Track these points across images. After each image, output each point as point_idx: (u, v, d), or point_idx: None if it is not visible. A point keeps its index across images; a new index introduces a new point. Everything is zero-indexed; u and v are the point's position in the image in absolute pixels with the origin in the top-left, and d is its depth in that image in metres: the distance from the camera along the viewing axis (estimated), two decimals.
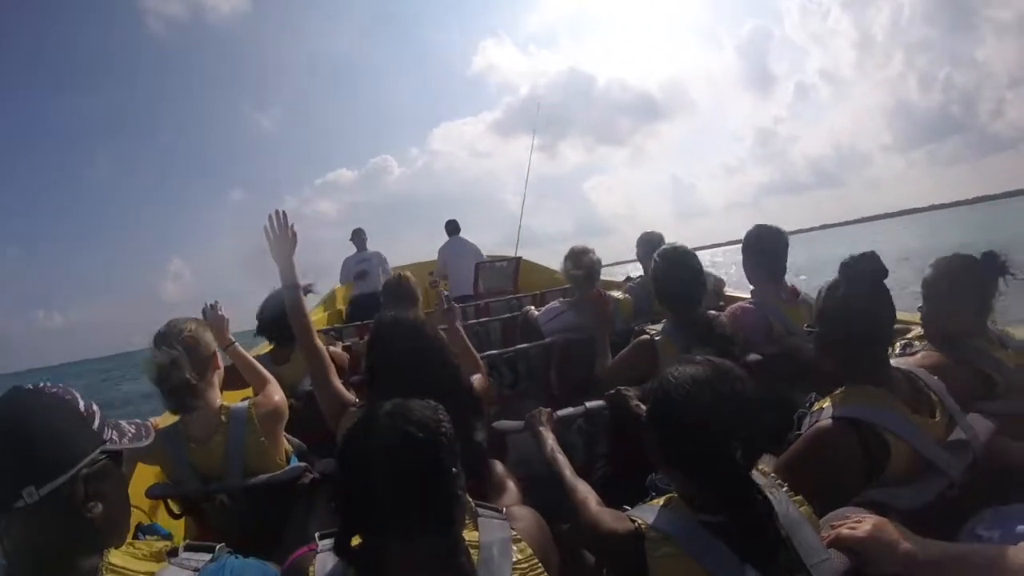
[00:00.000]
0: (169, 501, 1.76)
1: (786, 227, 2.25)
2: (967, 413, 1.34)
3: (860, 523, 0.99)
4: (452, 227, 6.30)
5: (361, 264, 6.06)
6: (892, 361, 1.39)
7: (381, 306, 2.63)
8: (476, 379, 1.76)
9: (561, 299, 2.98)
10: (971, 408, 1.38)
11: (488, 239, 6.66)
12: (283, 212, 1.70)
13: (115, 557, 0.84)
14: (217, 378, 1.80)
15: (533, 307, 3.56)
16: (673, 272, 2.00)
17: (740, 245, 2.34)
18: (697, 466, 0.99)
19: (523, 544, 0.94)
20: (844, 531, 0.99)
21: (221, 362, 1.84)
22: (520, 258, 5.90)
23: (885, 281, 1.33)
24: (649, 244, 3.16)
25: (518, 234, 6.71)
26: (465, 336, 2.00)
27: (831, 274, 1.37)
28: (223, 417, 1.72)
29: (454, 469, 0.84)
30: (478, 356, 1.97)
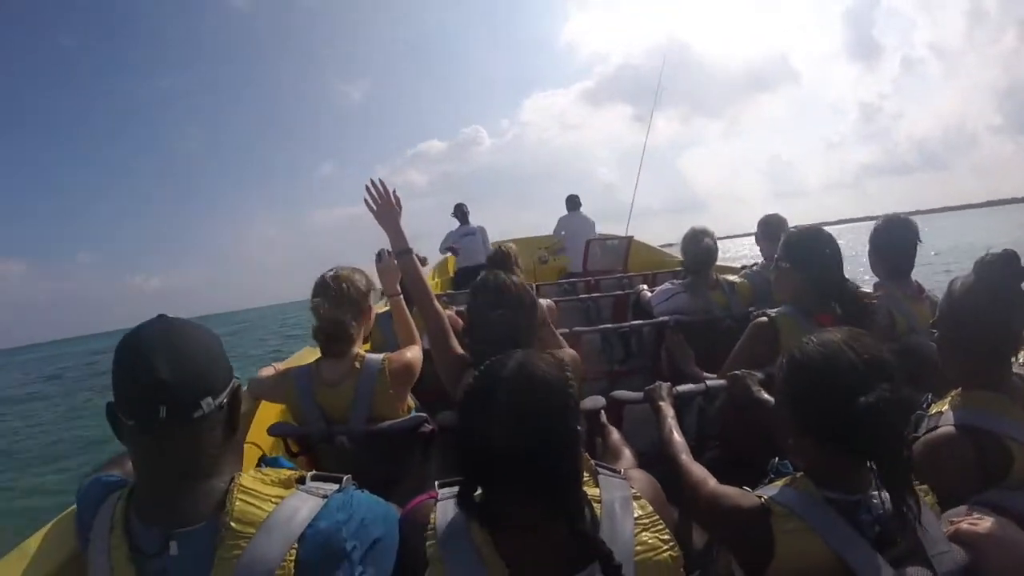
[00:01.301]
0: (289, 440, 1.82)
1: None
2: None
3: (981, 520, 0.98)
4: (572, 202, 6.39)
5: (466, 237, 6.25)
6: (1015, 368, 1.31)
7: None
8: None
9: (674, 280, 2.97)
10: None
11: (588, 211, 6.62)
12: (380, 180, 1.71)
13: (246, 479, 0.85)
14: (364, 329, 1.89)
15: (646, 287, 3.58)
16: (812, 255, 1.90)
17: (843, 226, 2.18)
18: (835, 426, 0.95)
19: (643, 501, 0.95)
20: (965, 526, 0.96)
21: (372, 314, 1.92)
22: (632, 237, 5.85)
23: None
24: (770, 227, 3.03)
25: (630, 213, 6.64)
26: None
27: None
28: (357, 364, 1.78)
29: (578, 427, 0.85)
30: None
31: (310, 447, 1.81)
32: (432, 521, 0.90)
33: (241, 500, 0.81)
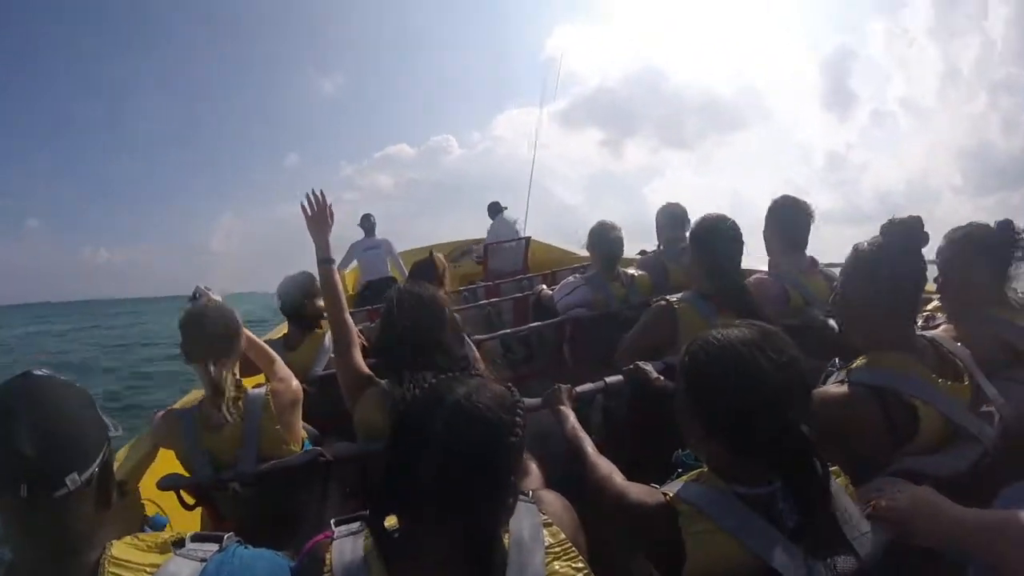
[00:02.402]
0: (183, 492, 1.70)
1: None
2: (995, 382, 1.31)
3: (900, 493, 0.96)
4: (494, 208, 6.31)
5: (369, 251, 5.94)
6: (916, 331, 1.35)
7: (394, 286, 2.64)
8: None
9: (576, 275, 2.93)
10: (996, 378, 1.34)
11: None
12: (320, 191, 1.74)
13: (117, 549, 0.81)
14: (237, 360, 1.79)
15: (545, 286, 3.52)
16: (715, 239, 1.92)
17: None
18: (745, 433, 0.92)
19: (554, 528, 0.89)
20: (883, 503, 0.94)
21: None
22: (529, 238, 5.84)
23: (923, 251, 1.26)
24: (672, 217, 3.05)
25: (526, 214, 6.64)
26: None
27: None
28: (239, 402, 1.69)
29: (513, 463, 0.80)
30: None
31: (205, 496, 1.71)
32: (328, 562, 0.83)
33: (112, 574, 0.77)
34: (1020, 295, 1.62)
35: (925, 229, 1.25)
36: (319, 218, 1.74)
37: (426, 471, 0.75)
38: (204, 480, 1.64)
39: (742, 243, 1.96)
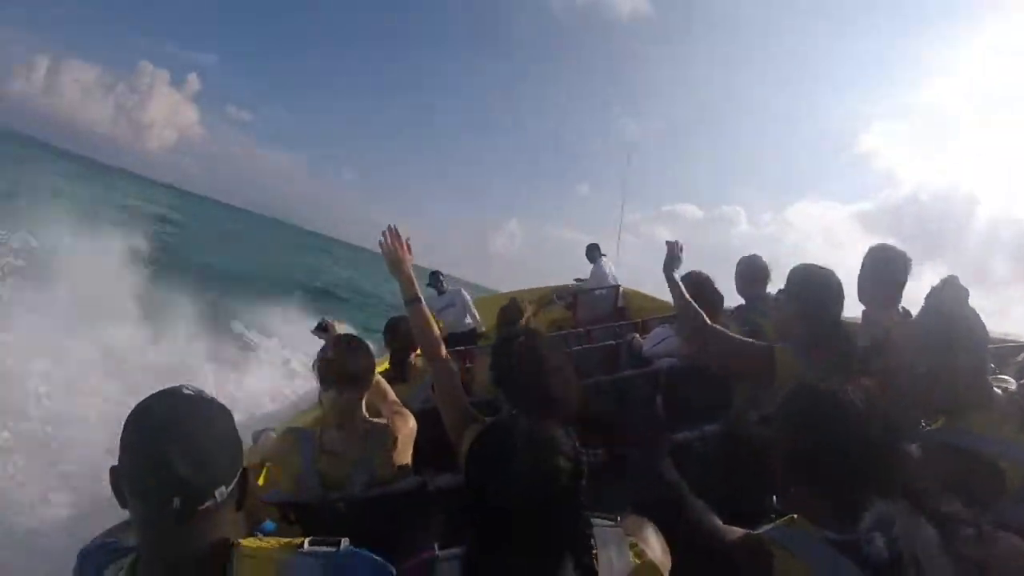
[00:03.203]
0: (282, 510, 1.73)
1: None
2: None
3: (995, 541, 0.94)
4: (593, 252, 6.37)
5: (446, 309, 6.02)
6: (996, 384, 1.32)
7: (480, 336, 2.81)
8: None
9: (666, 325, 2.95)
10: None
11: None
12: (395, 227, 1.71)
13: (247, 546, 0.87)
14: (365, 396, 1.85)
15: (638, 335, 3.55)
16: (821, 290, 1.88)
17: None
18: (839, 481, 0.96)
19: (639, 548, 0.94)
20: (978, 548, 0.93)
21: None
22: (619, 286, 5.88)
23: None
24: (755, 270, 2.94)
25: (616, 260, 6.67)
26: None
27: None
28: (362, 432, 1.76)
29: (581, 488, 0.87)
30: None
31: (307, 514, 1.74)
32: None
33: (247, 565, 0.84)
34: None
35: None
36: (394, 254, 1.69)
37: (507, 497, 0.83)
38: (313, 499, 1.68)
39: (843, 295, 1.90)
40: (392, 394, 2.01)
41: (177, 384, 0.88)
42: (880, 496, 0.96)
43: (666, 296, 2.82)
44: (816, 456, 0.99)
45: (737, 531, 1.08)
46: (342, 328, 2.00)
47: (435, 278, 6.25)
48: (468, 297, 6.19)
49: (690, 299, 1.94)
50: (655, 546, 0.98)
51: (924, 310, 1.36)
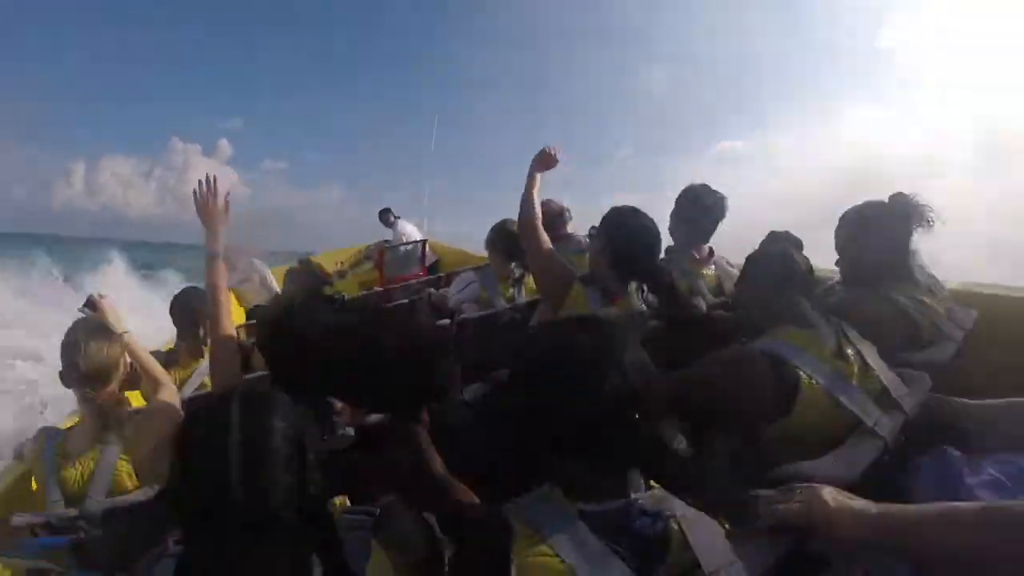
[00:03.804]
0: (37, 529, 1.51)
1: None
2: (895, 368, 1.25)
3: (802, 493, 0.85)
4: (387, 215, 6.15)
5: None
6: (815, 308, 1.34)
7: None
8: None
9: (472, 270, 2.75)
10: (897, 359, 1.29)
11: None
12: (214, 177, 1.62)
13: None
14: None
15: (435, 289, 3.32)
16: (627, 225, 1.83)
17: None
18: (589, 443, 0.83)
19: (379, 556, 0.89)
20: (786, 505, 0.85)
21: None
22: (425, 240, 5.62)
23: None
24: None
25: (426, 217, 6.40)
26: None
27: None
28: (103, 433, 1.57)
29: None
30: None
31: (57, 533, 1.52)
32: None
33: None
34: (927, 270, 1.58)
35: None
36: (208, 207, 1.60)
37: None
38: (55, 517, 1.47)
39: (656, 236, 1.84)
40: (166, 386, 1.74)
41: None
42: (638, 458, 0.84)
43: (483, 251, 2.69)
44: (550, 415, 0.85)
45: (479, 507, 1.00)
46: (105, 311, 1.72)
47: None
48: (268, 272, 5.55)
49: (536, 198, 1.89)
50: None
51: (748, 257, 1.48)
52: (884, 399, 1.17)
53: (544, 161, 1.97)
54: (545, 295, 1.90)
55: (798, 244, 1.47)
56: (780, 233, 1.50)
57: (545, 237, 1.84)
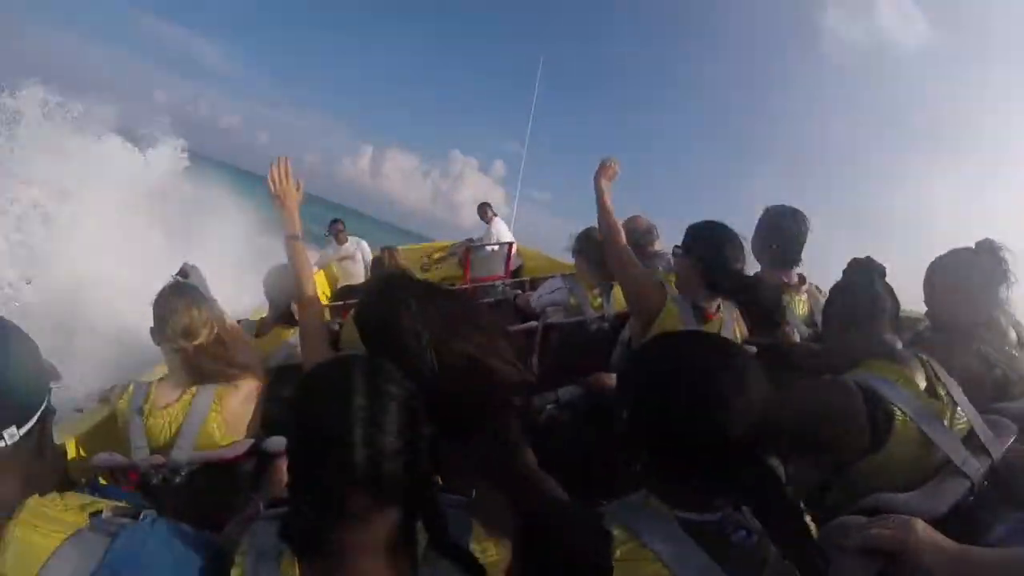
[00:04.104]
0: (115, 474, 1.62)
1: None
2: (984, 415, 1.24)
3: (895, 522, 0.88)
4: (485, 210, 6.33)
5: (345, 258, 5.97)
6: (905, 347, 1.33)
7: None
8: None
9: (560, 276, 2.81)
10: (986, 407, 1.28)
11: None
12: (287, 159, 1.60)
13: (32, 507, 0.76)
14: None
15: (523, 292, 3.40)
16: (719, 241, 1.82)
17: None
18: (694, 456, 0.83)
19: (481, 533, 0.85)
20: (879, 530, 0.87)
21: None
22: (513, 242, 5.74)
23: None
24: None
25: (513, 215, 6.56)
26: None
27: None
28: (193, 388, 1.65)
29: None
30: None
31: (141, 480, 1.63)
32: (242, 545, 0.80)
33: (17, 538, 0.72)
34: (1015, 318, 1.55)
35: None
36: (282, 188, 1.58)
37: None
38: (140, 462, 1.58)
39: (743, 250, 1.83)
40: (245, 349, 1.83)
41: None
42: (748, 470, 0.82)
43: (567, 258, 2.73)
44: (665, 426, 0.85)
45: (577, 507, 0.98)
46: (199, 277, 1.82)
47: (333, 226, 5.97)
48: (368, 249, 5.88)
49: (612, 211, 1.90)
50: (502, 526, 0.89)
51: (833, 287, 1.47)
52: (971, 441, 1.17)
53: (607, 173, 1.97)
54: (636, 311, 1.88)
55: (881, 272, 1.43)
56: (863, 260, 1.44)
57: (630, 252, 1.85)
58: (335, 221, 6.02)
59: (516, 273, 5.66)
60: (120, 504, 0.83)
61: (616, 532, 0.84)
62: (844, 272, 1.45)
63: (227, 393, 1.68)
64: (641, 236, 2.67)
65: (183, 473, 1.61)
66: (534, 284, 4.09)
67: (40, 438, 0.81)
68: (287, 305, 2.53)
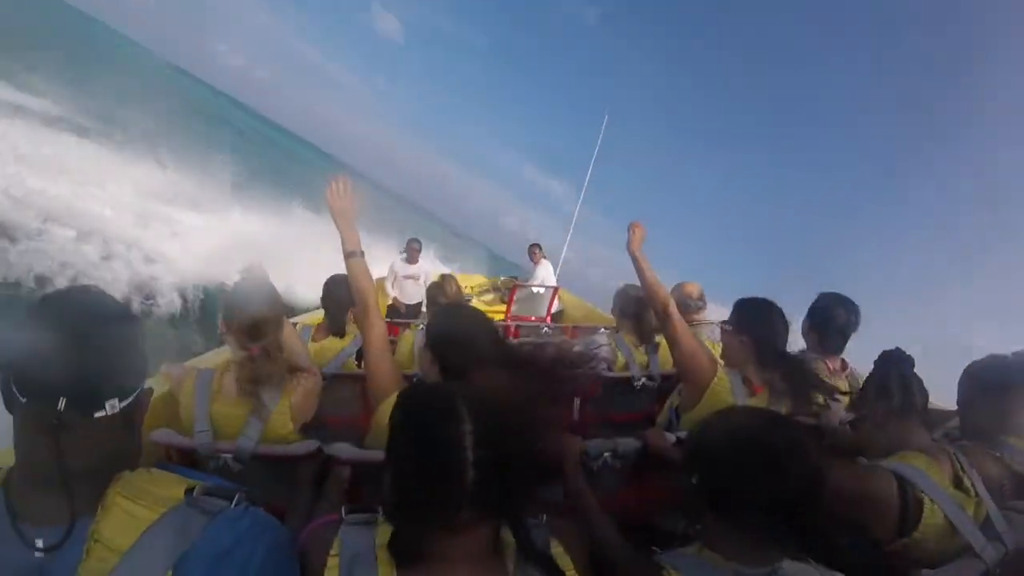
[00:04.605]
0: (172, 451, 1.64)
1: None
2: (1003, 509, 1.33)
3: None
4: (535, 251, 6.35)
5: (410, 277, 6.03)
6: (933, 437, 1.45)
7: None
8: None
9: (605, 331, 2.89)
10: (1004, 505, 1.36)
11: None
12: (346, 177, 1.65)
13: (127, 484, 0.80)
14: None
15: (567, 338, 3.49)
16: (771, 319, 1.92)
17: None
18: (753, 513, 0.93)
19: (560, 550, 0.92)
20: None
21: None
22: (558, 287, 5.85)
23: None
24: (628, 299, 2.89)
25: (560, 263, 6.68)
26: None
27: None
28: (260, 382, 1.66)
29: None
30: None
31: (196, 463, 1.65)
32: (335, 546, 0.85)
33: (119, 506, 0.77)
34: None
35: None
36: (343, 206, 1.62)
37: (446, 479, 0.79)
38: (201, 446, 1.59)
39: (787, 326, 1.91)
40: (302, 350, 1.89)
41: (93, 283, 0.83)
42: (798, 536, 0.92)
43: (606, 309, 2.78)
44: (732, 488, 0.95)
45: (636, 551, 1.06)
46: (262, 274, 1.85)
47: (409, 244, 6.10)
48: (431, 275, 6.09)
49: (655, 277, 1.92)
50: (579, 550, 0.95)
51: (868, 378, 1.57)
52: (988, 529, 1.27)
53: (635, 241, 1.96)
54: (688, 379, 1.89)
55: (911, 362, 1.56)
56: (893, 352, 1.56)
57: (685, 324, 1.86)
58: (412, 240, 6.15)
59: (556, 318, 5.75)
60: (208, 485, 0.85)
61: None
62: (876, 364, 1.56)
63: (292, 388, 1.72)
64: (693, 303, 2.76)
65: (245, 463, 1.63)
66: (575, 333, 4.17)
67: (135, 414, 0.84)
68: (343, 316, 2.62)
